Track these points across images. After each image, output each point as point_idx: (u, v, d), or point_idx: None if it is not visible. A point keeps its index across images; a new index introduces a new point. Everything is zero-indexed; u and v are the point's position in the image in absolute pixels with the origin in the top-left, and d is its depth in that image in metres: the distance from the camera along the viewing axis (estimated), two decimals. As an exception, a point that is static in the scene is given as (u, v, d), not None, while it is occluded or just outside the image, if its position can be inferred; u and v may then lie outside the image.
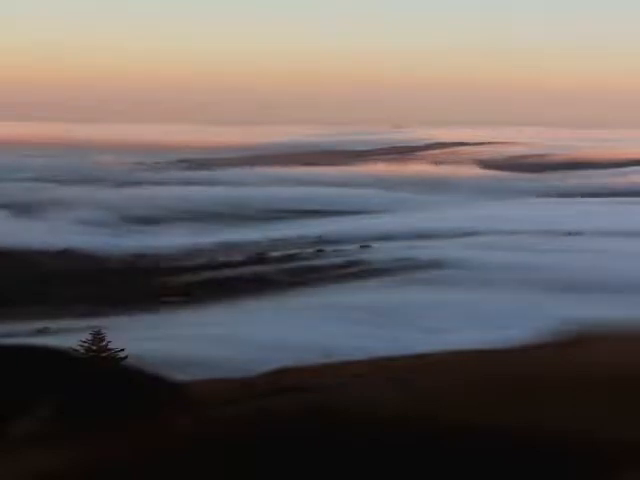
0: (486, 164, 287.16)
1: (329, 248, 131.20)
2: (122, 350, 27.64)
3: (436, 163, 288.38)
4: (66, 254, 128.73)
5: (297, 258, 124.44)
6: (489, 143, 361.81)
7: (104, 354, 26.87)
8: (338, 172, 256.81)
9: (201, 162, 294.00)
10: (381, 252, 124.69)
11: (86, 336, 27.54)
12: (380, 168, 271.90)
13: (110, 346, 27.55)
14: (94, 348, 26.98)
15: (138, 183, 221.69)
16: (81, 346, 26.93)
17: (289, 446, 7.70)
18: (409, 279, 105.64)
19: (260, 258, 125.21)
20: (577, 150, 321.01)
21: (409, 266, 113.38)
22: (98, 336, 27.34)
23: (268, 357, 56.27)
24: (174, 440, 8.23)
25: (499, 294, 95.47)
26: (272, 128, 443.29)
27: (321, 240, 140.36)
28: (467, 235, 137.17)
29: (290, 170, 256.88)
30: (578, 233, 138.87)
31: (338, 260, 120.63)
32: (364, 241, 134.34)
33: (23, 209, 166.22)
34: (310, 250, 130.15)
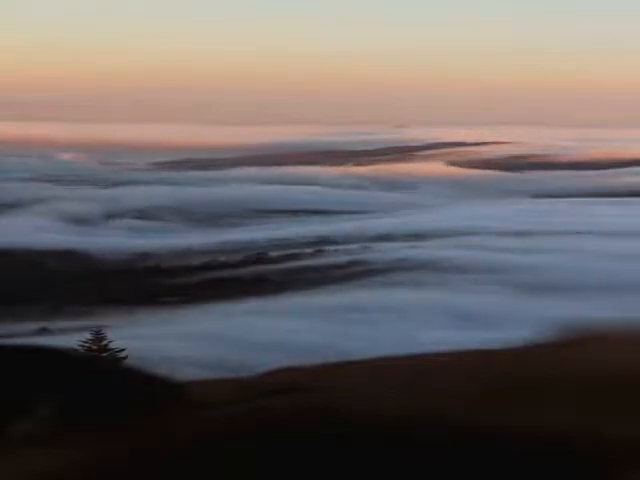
0: (486, 164, 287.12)
1: (329, 248, 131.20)
2: (122, 350, 27.68)
3: (435, 163, 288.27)
4: (66, 254, 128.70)
5: (297, 258, 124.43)
6: (489, 143, 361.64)
7: (104, 354, 26.89)
8: (338, 172, 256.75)
9: (201, 162, 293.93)
10: (381, 252, 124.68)
11: (86, 336, 27.56)
12: (380, 168, 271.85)
13: (110, 346, 27.59)
14: (94, 348, 27.00)
15: (138, 183, 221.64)
16: (81, 346, 26.95)
17: (289, 446, 7.67)
18: (409, 279, 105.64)
19: (260, 258, 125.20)
20: (577, 150, 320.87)
21: (409, 266, 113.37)
22: (98, 336, 27.37)
23: (268, 357, 56.25)
24: (174, 440, 8.22)
25: (499, 294, 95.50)
26: (272, 128, 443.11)
27: (321, 240, 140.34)
28: (467, 235, 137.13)
29: (290, 170, 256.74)
30: (579, 233, 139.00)
31: (338, 260, 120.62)
32: (364, 241, 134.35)
33: (23, 209, 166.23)
34: (310, 250, 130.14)
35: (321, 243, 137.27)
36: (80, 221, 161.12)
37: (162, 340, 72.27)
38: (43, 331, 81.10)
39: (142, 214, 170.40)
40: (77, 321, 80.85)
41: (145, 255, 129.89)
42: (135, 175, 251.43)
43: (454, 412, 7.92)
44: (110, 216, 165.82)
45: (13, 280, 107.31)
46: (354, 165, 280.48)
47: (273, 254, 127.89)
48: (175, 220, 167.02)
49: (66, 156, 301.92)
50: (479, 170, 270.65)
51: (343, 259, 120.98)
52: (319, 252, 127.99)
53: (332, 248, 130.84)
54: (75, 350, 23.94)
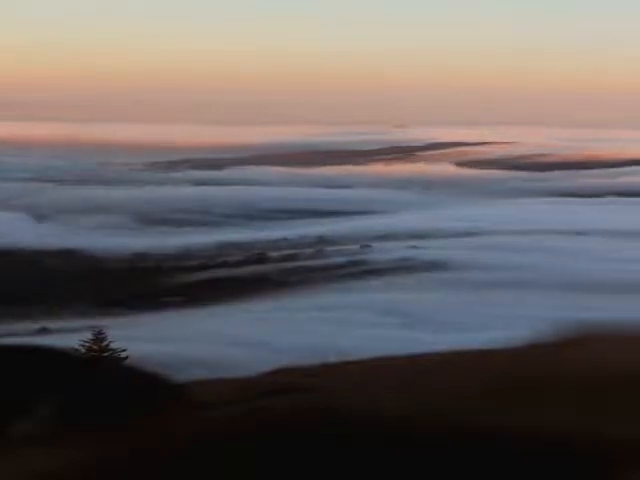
0: (486, 164, 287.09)
1: (329, 248, 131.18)
2: (123, 350, 27.59)
3: (435, 163, 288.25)
4: (66, 254, 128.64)
5: (297, 258, 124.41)
6: (489, 143, 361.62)
7: (105, 354, 26.81)
8: (338, 172, 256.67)
9: (201, 162, 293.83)
10: (381, 252, 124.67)
11: (87, 336, 27.49)
12: (380, 168, 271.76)
13: (111, 346, 27.50)
14: (95, 348, 26.92)
15: (138, 183, 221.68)
16: (82, 346, 26.87)
17: (289, 447, 7.67)
18: (409, 279, 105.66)
19: (260, 258, 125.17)
20: (577, 150, 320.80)
21: (409, 266, 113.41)
22: (99, 336, 27.29)
23: (268, 357, 56.28)
24: (174, 440, 8.22)
25: (499, 294, 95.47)
26: (272, 128, 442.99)
27: (321, 240, 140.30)
28: (467, 235, 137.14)
29: (290, 170, 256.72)
30: (579, 233, 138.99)
31: (338, 260, 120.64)
32: (364, 241, 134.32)
33: (23, 209, 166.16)
34: (310, 250, 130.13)
35: (321, 243, 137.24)
36: (80, 221, 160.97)
37: (163, 340, 72.28)
38: (43, 331, 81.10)
39: (142, 214, 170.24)
40: (77, 321, 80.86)
41: (145, 255, 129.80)
42: (134, 175, 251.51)
43: (454, 412, 7.91)
44: (110, 216, 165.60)
45: (13, 280, 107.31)
46: (354, 165, 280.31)
47: (273, 254, 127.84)
48: (175, 220, 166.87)
49: (66, 156, 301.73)
50: (479, 170, 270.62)
51: (343, 259, 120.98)
52: (319, 252, 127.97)
53: (332, 248, 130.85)
54: (75, 350, 23.91)
